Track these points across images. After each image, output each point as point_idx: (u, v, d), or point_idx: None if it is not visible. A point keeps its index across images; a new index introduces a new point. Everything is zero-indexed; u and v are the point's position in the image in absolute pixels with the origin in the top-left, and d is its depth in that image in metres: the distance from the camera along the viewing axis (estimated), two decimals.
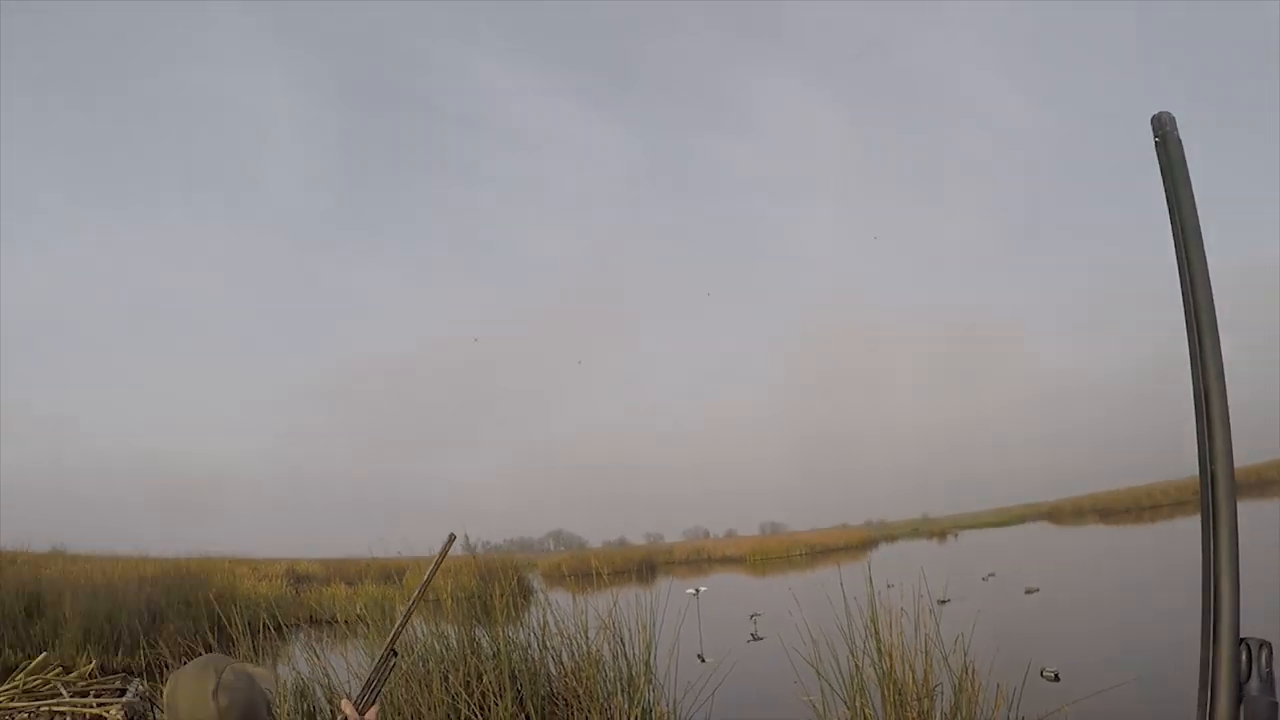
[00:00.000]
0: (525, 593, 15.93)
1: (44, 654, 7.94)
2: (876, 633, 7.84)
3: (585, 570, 37.26)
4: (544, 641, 9.82)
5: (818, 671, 7.87)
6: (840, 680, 7.85)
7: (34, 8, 75.74)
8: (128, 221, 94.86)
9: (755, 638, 17.20)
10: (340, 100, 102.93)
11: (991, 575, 27.23)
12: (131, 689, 6.94)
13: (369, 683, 3.09)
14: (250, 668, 2.71)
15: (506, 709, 8.72)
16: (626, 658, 9.43)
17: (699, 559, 63.80)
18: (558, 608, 10.10)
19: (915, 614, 7.94)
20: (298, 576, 36.58)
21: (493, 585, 10.60)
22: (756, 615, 18.51)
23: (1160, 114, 1.24)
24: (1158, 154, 1.21)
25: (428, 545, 12.36)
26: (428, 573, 3.24)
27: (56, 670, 7.14)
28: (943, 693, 7.62)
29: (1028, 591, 21.95)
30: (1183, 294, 1.17)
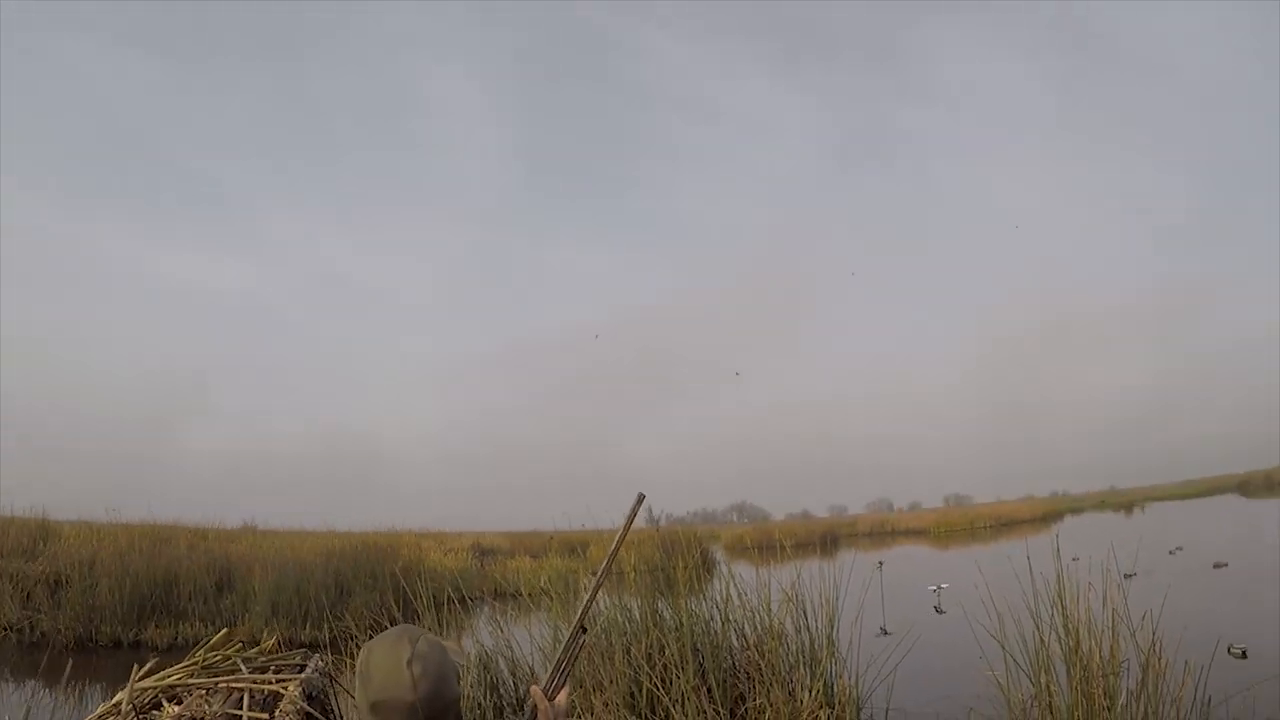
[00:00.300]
0: (708, 565, 15.97)
1: (225, 630, 8.16)
2: (1063, 607, 7.67)
3: (768, 542, 37.54)
4: (726, 614, 9.83)
5: (1001, 645, 7.71)
6: (1025, 655, 7.69)
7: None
8: (311, 204, 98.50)
9: (939, 610, 16.93)
10: (523, 76, 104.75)
11: (1179, 549, 26.36)
12: (311, 664, 7.08)
13: (558, 664, 3.07)
14: (442, 640, 2.72)
15: (689, 681, 8.74)
16: (809, 631, 9.38)
17: (882, 531, 63.35)
18: (740, 580, 10.08)
19: (1103, 588, 7.72)
20: (483, 550, 36.99)
21: (675, 558, 10.62)
22: (941, 587, 18.19)
23: None
24: None
25: (611, 518, 12.48)
26: (619, 535, 3.22)
27: (237, 646, 7.31)
28: (1129, 669, 7.44)
29: (1216, 566, 21.21)
30: None
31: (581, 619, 3.13)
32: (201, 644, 7.36)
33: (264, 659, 7.52)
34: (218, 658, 7.16)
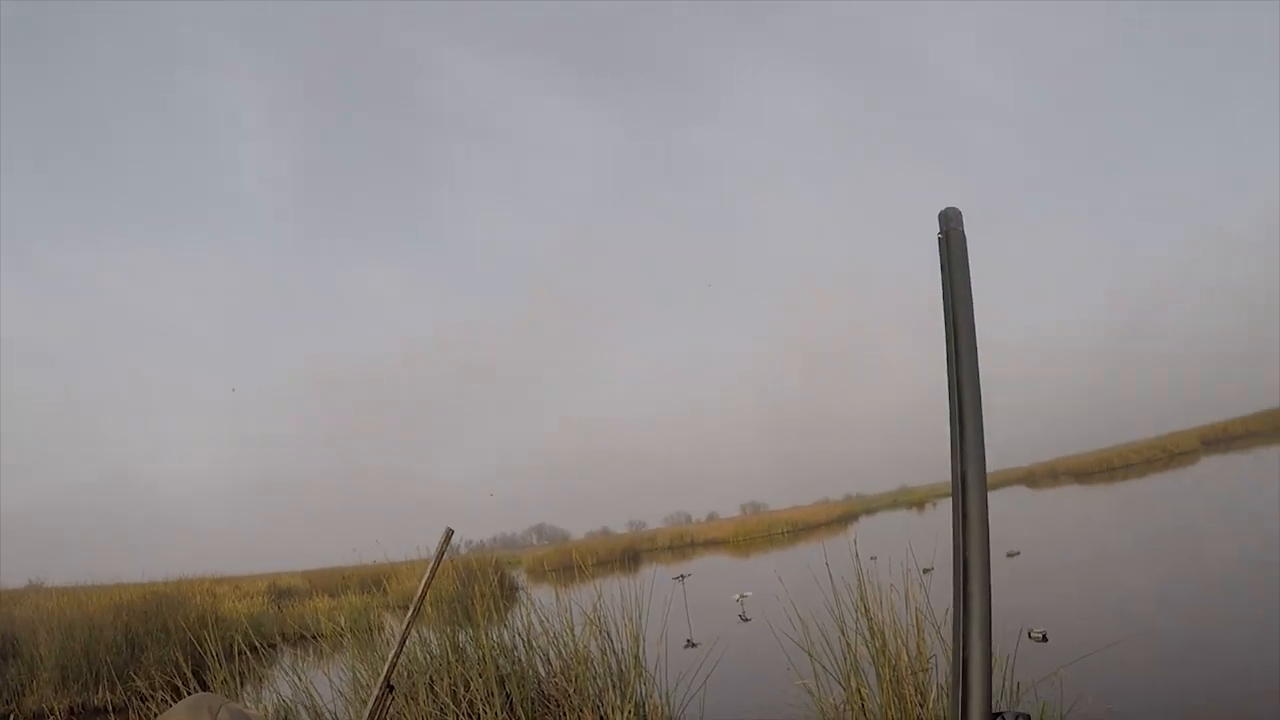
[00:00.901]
0: (509, 591, 15.74)
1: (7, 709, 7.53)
2: (866, 610, 7.73)
3: (569, 564, 37.09)
4: (530, 642, 9.65)
5: (809, 654, 7.73)
6: (833, 660, 7.73)
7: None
8: (91, 236, 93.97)
9: (744, 619, 17.07)
10: (310, 101, 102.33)
11: None
12: None
13: None
14: (244, 709, 2.49)
15: (496, 715, 8.56)
16: (615, 652, 9.28)
17: (682, 544, 64.13)
18: (541, 605, 9.94)
19: (904, 588, 7.84)
20: (280, 591, 36.13)
21: (473, 587, 10.40)
22: (744, 596, 18.36)
23: (947, 209, 1.22)
24: (939, 249, 1.20)
25: (409, 549, 12.20)
26: (426, 577, 3.02)
27: None
28: (937, 665, 7.52)
29: (1009, 555, 21.99)
30: (949, 387, 1.18)
31: (388, 677, 2.93)
32: None
33: None
34: None
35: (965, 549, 1.15)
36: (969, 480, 1.18)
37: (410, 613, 2.98)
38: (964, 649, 1.12)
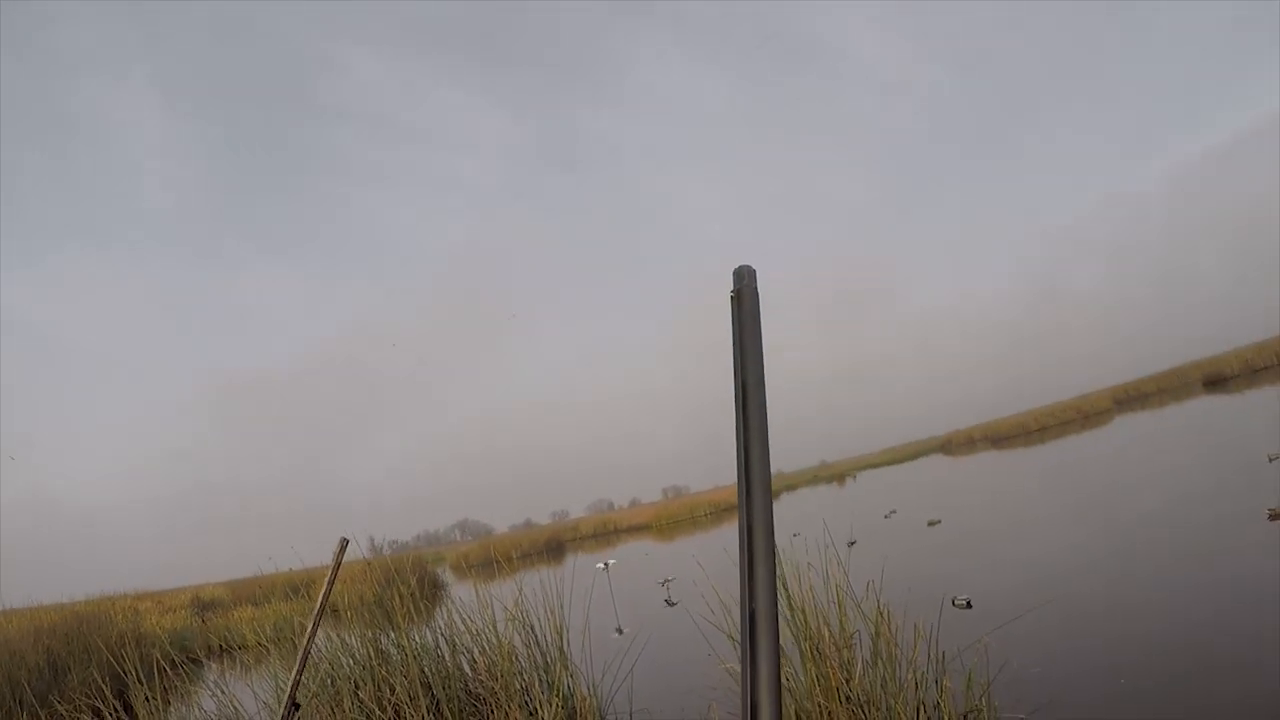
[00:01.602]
0: (434, 590, 15.59)
1: None
2: (786, 589, 7.71)
3: (492, 557, 36.67)
4: (453, 641, 9.52)
5: (731, 638, 7.70)
6: None
7: None
8: None
9: (670, 603, 17.08)
10: (209, 106, 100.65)
11: (893, 512, 27.78)
12: None
13: None
14: None
15: (423, 717, 8.42)
16: (540, 645, 9.20)
17: (606, 531, 64.47)
18: (463, 603, 9.81)
19: (824, 565, 7.85)
20: (203, 604, 35.67)
21: (394, 587, 10.27)
22: (669, 580, 18.37)
23: (741, 267, 1.22)
24: (731, 305, 1.18)
25: (325, 554, 12.03)
26: (324, 590, 2.92)
27: None
28: (861, 640, 7.52)
29: (930, 524, 22.25)
30: (736, 436, 1.15)
31: (292, 696, 2.82)
32: None
33: None
34: None
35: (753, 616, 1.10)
36: (755, 533, 1.08)
37: (310, 628, 2.89)
38: (751, 674, 1.06)
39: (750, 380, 1.16)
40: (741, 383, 1.16)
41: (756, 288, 1.20)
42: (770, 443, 1.13)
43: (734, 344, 1.17)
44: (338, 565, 2.89)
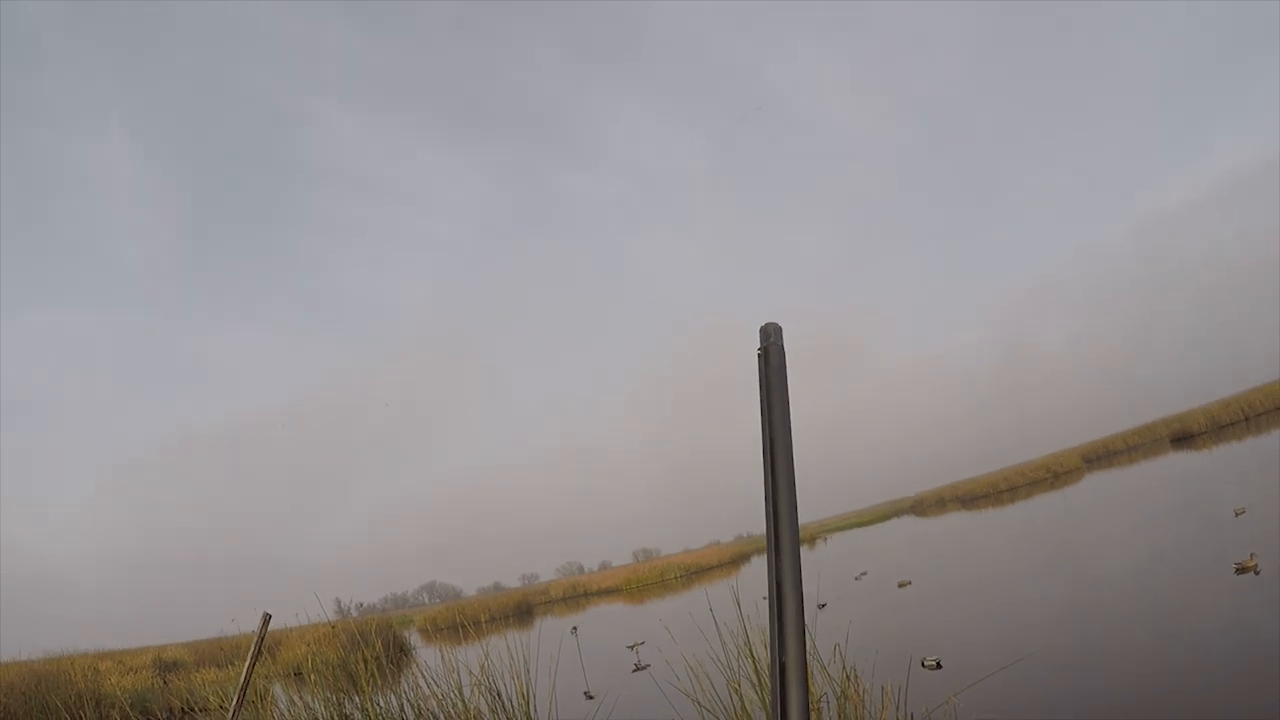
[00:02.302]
0: (400, 653, 15.39)
1: None
2: (751, 655, 7.67)
3: (460, 620, 36.46)
4: (418, 706, 9.39)
5: (697, 703, 7.64)
6: (721, 707, 7.66)
7: None
8: None
9: (639, 667, 16.93)
10: (185, 161, 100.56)
11: (864, 574, 27.69)
12: None
13: None
14: None
15: None
16: (505, 710, 9.08)
17: (575, 594, 63.96)
18: (429, 667, 9.69)
19: None
20: (165, 665, 35.12)
21: (359, 651, 10.13)
22: (639, 644, 18.24)
23: (768, 325, 1.24)
24: (759, 363, 1.21)
25: (289, 616, 11.90)
26: (247, 665, 2.87)
27: None
28: (829, 703, 7.47)
29: (900, 585, 22.18)
30: (765, 492, 1.16)
31: None
32: None
33: None
34: None
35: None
36: (784, 587, 1.12)
37: (235, 703, 2.83)
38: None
39: (778, 436, 1.17)
40: (769, 439, 1.17)
41: (783, 345, 1.22)
42: (773, 502, 1.12)
43: (761, 401, 1.19)
44: (261, 640, 2.85)
